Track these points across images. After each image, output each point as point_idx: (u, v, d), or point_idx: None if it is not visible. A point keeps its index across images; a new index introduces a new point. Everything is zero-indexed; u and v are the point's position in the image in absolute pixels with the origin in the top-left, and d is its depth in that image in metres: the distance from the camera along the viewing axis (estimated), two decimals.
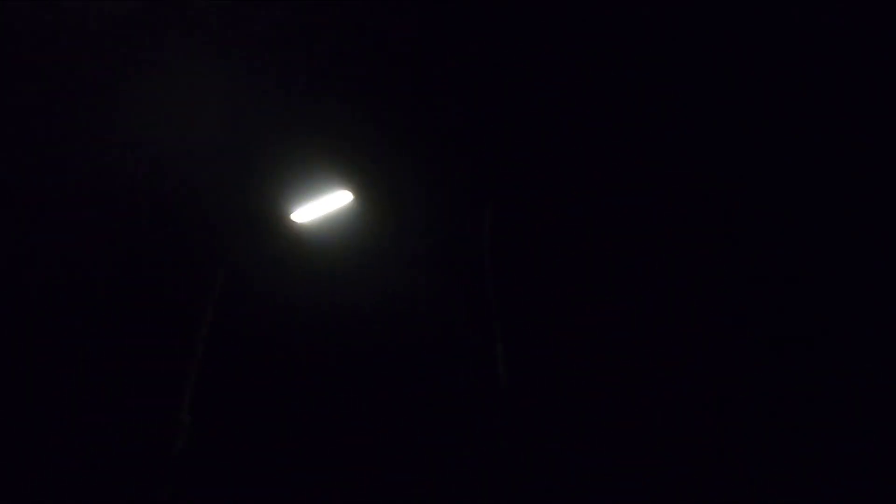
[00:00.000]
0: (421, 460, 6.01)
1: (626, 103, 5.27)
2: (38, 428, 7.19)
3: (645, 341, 5.28)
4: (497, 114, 5.30)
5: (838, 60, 4.82)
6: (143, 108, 5.41)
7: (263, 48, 4.96)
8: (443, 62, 5.01)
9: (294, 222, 6.13)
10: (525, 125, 5.39)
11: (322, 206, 5.91)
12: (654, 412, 5.13)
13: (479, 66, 5.05)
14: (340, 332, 6.90)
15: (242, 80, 5.21)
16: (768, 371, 4.97)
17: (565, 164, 5.48)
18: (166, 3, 4.80)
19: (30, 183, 6.13)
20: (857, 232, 4.92)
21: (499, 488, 5.54)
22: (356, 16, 4.74)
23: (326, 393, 7.10)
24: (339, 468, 6.57)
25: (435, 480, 5.86)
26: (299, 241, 6.33)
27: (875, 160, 4.83)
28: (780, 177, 5.06)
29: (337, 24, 4.79)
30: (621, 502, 4.95)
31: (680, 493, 4.83)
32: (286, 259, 6.53)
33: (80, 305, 7.09)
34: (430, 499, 5.84)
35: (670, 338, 5.21)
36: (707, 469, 4.85)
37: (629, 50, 5.06)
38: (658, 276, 5.33)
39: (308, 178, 5.78)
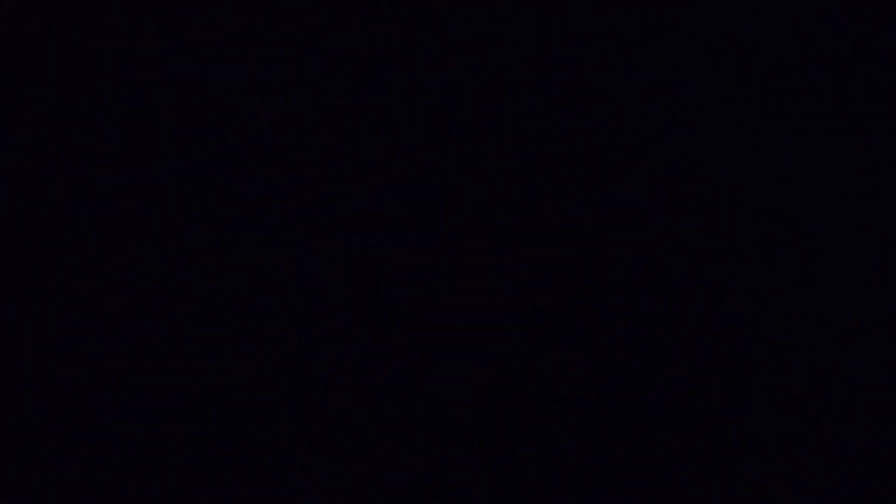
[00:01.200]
0: None
1: (625, 103, 5.29)
2: None
3: (644, 341, 5.27)
4: None
5: (838, 60, 4.85)
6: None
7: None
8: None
9: None
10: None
11: None
12: (655, 412, 5.12)
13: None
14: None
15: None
16: (768, 371, 4.96)
17: (564, 164, 5.49)
18: None
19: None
20: (857, 232, 4.92)
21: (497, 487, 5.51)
22: None
23: None
24: None
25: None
26: None
27: (875, 160, 4.84)
28: (780, 177, 5.07)
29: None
30: (618, 502, 4.93)
31: (680, 493, 4.81)
32: None
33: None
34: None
35: (670, 338, 5.20)
36: (706, 469, 4.83)
37: (629, 49, 5.09)
38: (657, 276, 5.33)
39: None
